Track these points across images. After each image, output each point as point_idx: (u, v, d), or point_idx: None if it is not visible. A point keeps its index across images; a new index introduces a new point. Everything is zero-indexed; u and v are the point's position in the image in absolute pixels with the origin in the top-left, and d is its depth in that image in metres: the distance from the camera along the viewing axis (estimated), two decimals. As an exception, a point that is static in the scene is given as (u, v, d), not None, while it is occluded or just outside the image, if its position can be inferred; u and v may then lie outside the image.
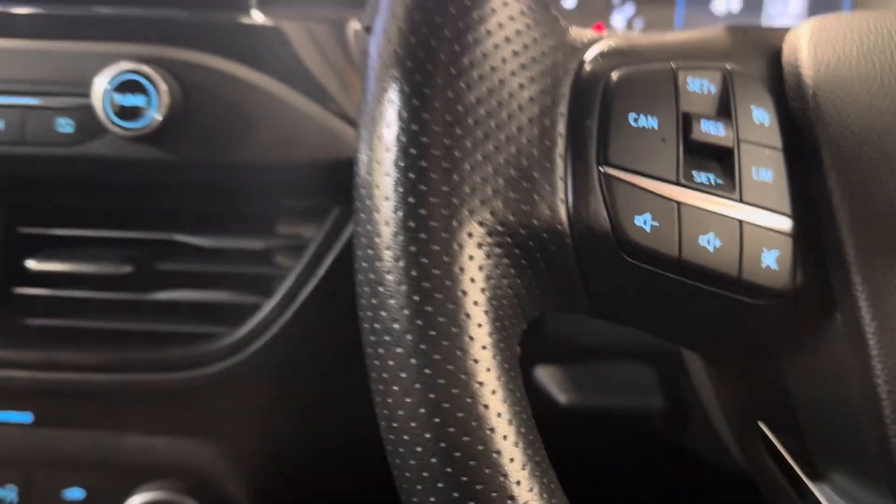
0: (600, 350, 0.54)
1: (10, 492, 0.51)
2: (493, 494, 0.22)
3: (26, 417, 0.51)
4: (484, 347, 0.23)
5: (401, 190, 0.23)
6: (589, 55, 0.26)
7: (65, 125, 0.42)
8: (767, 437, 0.30)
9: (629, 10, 0.57)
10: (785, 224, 0.25)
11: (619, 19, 0.57)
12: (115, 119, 0.41)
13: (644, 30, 0.57)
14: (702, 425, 0.47)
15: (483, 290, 0.23)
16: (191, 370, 0.47)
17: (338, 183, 0.47)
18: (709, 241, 0.24)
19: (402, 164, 0.23)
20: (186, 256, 0.47)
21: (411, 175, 0.23)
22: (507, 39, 0.24)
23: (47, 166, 0.44)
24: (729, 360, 0.30)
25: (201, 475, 0.50)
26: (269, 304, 0.47)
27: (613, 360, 0.55)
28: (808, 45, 0.27)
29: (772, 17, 0.57)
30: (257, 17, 0.45)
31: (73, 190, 0.46)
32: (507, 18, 0.24)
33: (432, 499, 0.23)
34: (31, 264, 0.46)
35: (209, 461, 0.50)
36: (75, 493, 0.51)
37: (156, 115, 0.41)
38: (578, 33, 0.27)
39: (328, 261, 0.47)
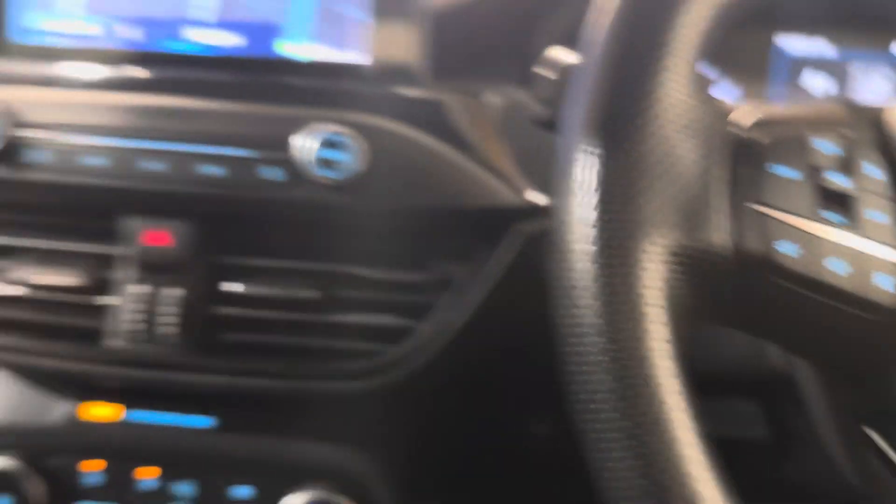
0: (705, 384, 0.61)
1: (189, 487, 0.59)
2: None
3: (208, 422, 0.59)
4: (667, 341, 0.31)
5: (596, 215, 0.31)
6: (738, 122, 0.34)
7: (274, 173, 0.52)
8: (877, 444, 0.37)
9: (725, 83, 0.65)
10: (896, 255, 0.32)
11: (715, 91, 0.65)
12: (319, 171, 0.51)
13: (738, 100, 0.65)
14: (809, 451, 0.53)
15: (664, 297, 0.31)
16: (357, 381, 0.55)
17: (484, 227, 0.56)
18: (840, 266, 0.32)
19: (596, 199, 0.32)
20: (357, 285, 0.56)
21: (604, 207, 0.31)
22: (678, 109, 0.33)
23: (257, 208, 0.53)
24: (848, 370, 0.37)
25: (356, 479, 0.58)
26: (424, 329, 0.55)
27: (718, 394, 0.61)
28: None
29: (856, 92, 0.65)
30: (428, 91, 0.54)
31: (275, 227, 0.56)
32: (678, 93, 0.33)
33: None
34: (234, 288, 0.55)
35: (364, 466, 0.58)
36: (244, 490, 0.59)
37: (350, 169, 0.51)
38: (727, 104, 0.35)
39: (473, 293, 0.56)
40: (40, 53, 0.56)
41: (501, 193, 0.54)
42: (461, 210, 0.54)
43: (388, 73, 0.55)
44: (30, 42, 0.56)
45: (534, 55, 0.60)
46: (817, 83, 0.65)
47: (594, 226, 0.31)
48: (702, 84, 0.34)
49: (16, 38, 0.56)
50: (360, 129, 0.52)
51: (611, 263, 0.31)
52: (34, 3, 0.55)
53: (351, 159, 0.51)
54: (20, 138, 0.53)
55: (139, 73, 0.54)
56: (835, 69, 0.65)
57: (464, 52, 0.60)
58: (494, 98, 0.58)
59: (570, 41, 0.42)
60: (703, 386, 0.60)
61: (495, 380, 0.63)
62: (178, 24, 0.55)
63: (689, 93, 0.33)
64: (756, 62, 0.65)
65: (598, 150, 0.32)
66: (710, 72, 0.65)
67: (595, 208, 0.31)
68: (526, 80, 0.60)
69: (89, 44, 0.56)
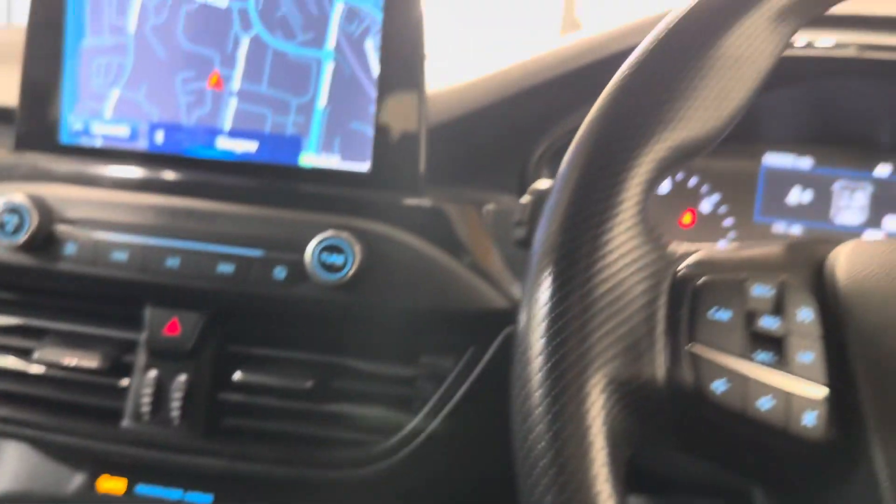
0: (683, 485, 0.63)
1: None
2: None
3: (207, 499, 0.63)
4: (608, 465, 0.34)
5: (549, 349, 0.35)
6: (682, 265, 0.38)
7: (279, 272, 0.57)
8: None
9: (715, 198, 0.69)
10: (822, 392, 0.35)
11: (706, 205, 0.69)
12: (320, 272, 0.55)
13: (727, 214, 0.68)
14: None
15: (604, 424, 0.34)
16: (350, 470, 0.58)
17: (475, 327, 0.60)
18: (766, 402, 0.35)
19: (550, 333, 0.35)
20: (352, 376, 0.60)
21: (556, 341, 0.35)
22: (625, 254, 0.36)
23: (261, 302, 0.58)
24: (788, 490, 0.39)
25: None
26: (413, 422, 0.59)
27: (692, 494, 0.63)
28: (845, 262, 0.38)
29: (840, 209, 0.68)
30: (426, 199, 0.59)
31: (278, 321, 0.60)
32: (625, 240, 0.37)
33: None
34: (237, 376, 0.60)
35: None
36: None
37: (349, 271, 0.55)
38: (675, 248, 0.39)
39: (462, 389, 0.59)
40: (81, 153, 0.62)
41: (492, 297, 0.58)
42: (453, 312, 0.58)
43: (388, 180, 0.59)
44: (73, 143, 0.62)
45: (530, 165, 0.65)
46: (803, 200, 0.68)
47: (547, 359, 0.35)
48: (650, 229, 0.38)
49: (64, 139, 0.62)
50: (360, 233, 0.56)
51: (560, 396, 0.34)
52: (80, 108, 0.62)
53: (349, 262, 0.55)
54: (56, 232, 0.58)
55: (166, 175, 0.60)
56: (820, 187, 0.68)
57: (461, 162, 0.65)
58: (489, 206, 0.62)
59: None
60: (671, 485, 0.62)
61: (485, 470, 0.66)
62: (206, 131, 0.61)
63: (639, 238, 0.37)
64: (745, 178, 0.69)
65: (554, 287, 0.36)
66: (702, 187, 0.69)
67: (549, 342, 0.35)
68: (522, 189, 0.65)
69: (124, 145, 0.62)
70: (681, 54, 0.37)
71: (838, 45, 0.60)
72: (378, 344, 0.60)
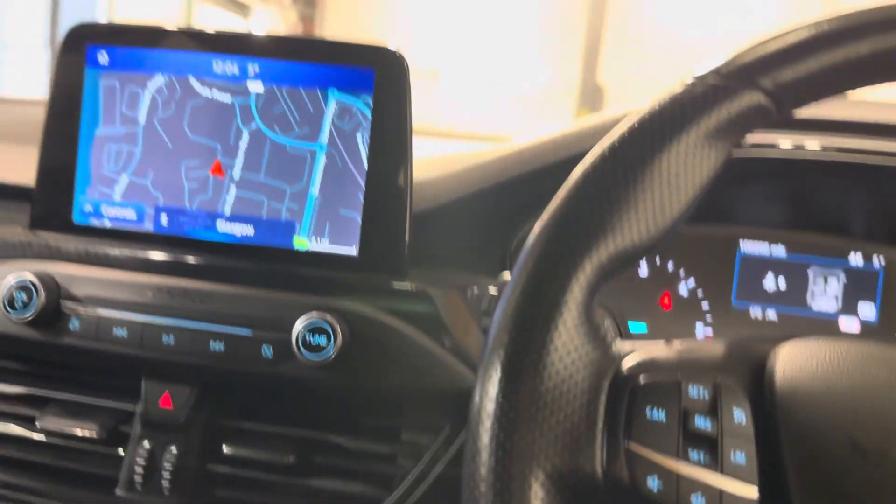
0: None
1: None
2: None
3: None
4: None
5: (495, 441, 0.38)
6: (623, 363, 0.40)
7: (266, 351, 0.60)
8: None
9: (692, 282, 0.71)
10: (753, 492, 0.37)
11: (683, 288, 0.72)
12: (304, 352, 0.58)
13: (703, 297, 0.71)
14: None
15: None
16: (329, 544, 0.60)
17: (452, 406, 0.62)
18: (698, 501, 0.37)
19: (496, 428, 0.38)
20: (334, 452, 0.62)
21: (501, 436, 0.38)
22: (569, 352, 0.39)
23: (249, 378, 0.61)
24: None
25: None
26: (391, 498, 0.61)
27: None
28: (781, 364, 0.40)
29: (815, 295, 0.70)
30: (409, 283, 0.62)
31: (264, 396, 0.63)
32: (569, 339, 0.39)
33: None
34: (225, 449, 0.63)
35: None
36: None
37: (332, 351, 0.58)
38: (618, 347, 0.41)
39: (439, 467, 0.61)
40: (91, 233, 0.67)
41: (470, 378, 0.61)
42: (432, 392, 0.61)
43: (375, 263, 0.63)
44: (84, 223, 0.67)
45: (510, 250, 0.69)
46: (779, 286, 0.71)
47: (493, 451, 0.38)
48: (595, 328, 0.40)
49: (76, 219, 0.67)
50: (344, 315, 0.60)
51: (504, 490, 0.37)
52: (92, 191, 0.67)
53: (332, 343, 0.58)
54: (63, 307, 0.62)
55: (168, 255, 0.64)
56: (795, 274, 0.71)
57: (446, 247, 0.68)
58: (473, 289, 0.65)
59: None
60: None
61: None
62: (207, 216, 0.65)
63: (583, 337, 0.40)
64: (721, 264, 0.72)
65: (502, 381, 0.39)
66: (679, 270, 0.72)
67: (495, 435, 0.38)
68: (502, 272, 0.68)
69: (131, 227, 0.66)
70: (622, 169, 0.40)
71: (797, 147, 0.64)
72: (360, 421, 0.63)
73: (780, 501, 0.37)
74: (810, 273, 0.70)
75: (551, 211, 0.41)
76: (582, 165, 0.41)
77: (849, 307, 0.70)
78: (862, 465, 0.36)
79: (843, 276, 0.70)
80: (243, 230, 0.65)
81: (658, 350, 0.42)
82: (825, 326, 0.70)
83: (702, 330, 0.72)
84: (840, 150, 0.63)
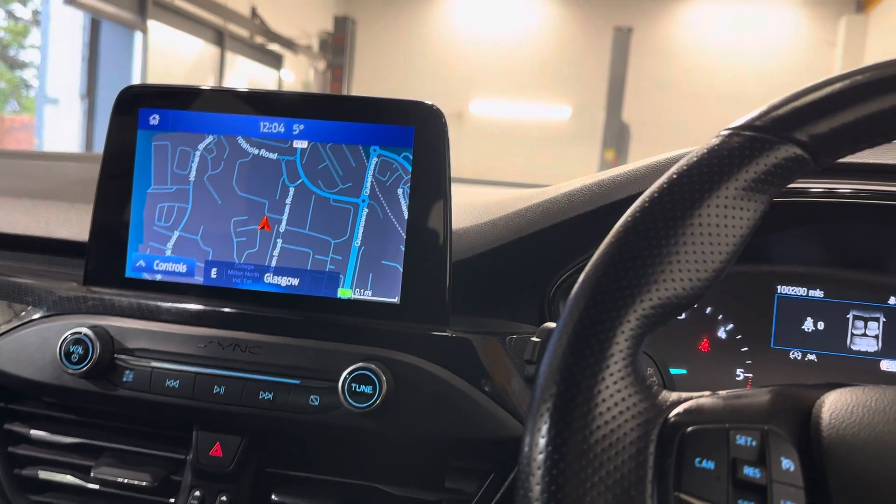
0: None
1: None
2: None
3: None
4: None
5: (546, 493, 0.39)
6: (671, 413, 0.41)
7: (314, 400, 0.62)
8: None
9: (730, 326, 0.72)
10: (805, 541, 0.37)
11: (721, 332, 0.72)
12: (350, 400, 0.60)
13: (742, 341, 0.71)
14: None
15: None
16: None
17: (496, 453, 0.63)
18: (751, 550, 0.37)
19: (547, 479, 0.39)
20: (378, 500, 0.63)
21: (553, 487, 0.39)
22: (616, 403, 0.40)
23: (297, 427, 0.63)
24: None
25: None
26: (438, 545, 0.62)
27: None
28: (828, 411, 0.41)
29: (854, 336, 0.70)
30: (450, 331, 0.64)
31: (311, 444, 0.65)
32: (616, 391, 0.40)
33: None
34: (274, 497, 0.64)
35: None
36: None
37: (378, 400, 0.59)
38: (665, 396, 0.42)
39: (487, 514, 0.62)
40: (143, 287, 0.69)
41: (511, 425, 0.62)
42: (475, 439, 0.62)
43: (416, 312, 0.64)
44: (136, 277, 0.69)
45: (548, 297, 0.70)
46: (818, 327, 0.71)
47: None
48: (641, 379, 0.41)
49: (129, 273, 0.70)
50: (388, 363, 0.61)
51: None
52: (144, 247, 0.70)
53: (378, 391, 0.60)
54: (117, 361, 0.65)
55: (217, 307, 0.66)
56: (834, 317, 0.71)
57: (486, 294, 0.70)
58: (512, 336, 0.66)
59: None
60: None
61: None
62: (255, 268, 0.67)
63: (630, 388, 0.41)
64: (760, 308, 0.72)
65: (551, 434, 0.40)
66: (718, 315, 0.72)
67: (546, 488, 0.39)
68: (542, 319, 0.69)
69: (181, 280, 0.69)
70: (663, 221, 0.41)
71: (855, 193, 0.64)
72: (404, 469, 0.64)
73: (833, 552, 0.37)
74: (850, 316, 0.71)
75: (595, 262, 0.43)
76: (624, 218, 0.43)
77: (889, 349, 0.70)
78: None
79: (882, 318, 0.70)
80: (289, 282, 0.67)
81: (705, 399, 0.42)
82: (866, 366, 0.70)
83: (741, 374, 0.72)
84: (874, 192, 0.64)
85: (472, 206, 0.77)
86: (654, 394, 0.42)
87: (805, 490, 0.39)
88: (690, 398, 0.42)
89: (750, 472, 0.39)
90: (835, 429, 0.40)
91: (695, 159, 0.43)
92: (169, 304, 0.67)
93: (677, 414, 0.41)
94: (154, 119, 0.70)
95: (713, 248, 0.41)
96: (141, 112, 0.70)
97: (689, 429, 0.40)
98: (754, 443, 0.40)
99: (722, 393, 0.43)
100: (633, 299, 0.41)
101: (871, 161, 0.67)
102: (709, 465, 0.39)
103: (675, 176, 0.42)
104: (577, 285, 0.43)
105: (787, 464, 0.39)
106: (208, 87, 0.69)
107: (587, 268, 0.43)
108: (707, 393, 0.43)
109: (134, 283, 0.70)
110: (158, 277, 0.69)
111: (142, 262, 0.70)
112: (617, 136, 7.53)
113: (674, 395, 0.43)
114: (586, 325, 0.41)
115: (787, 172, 0.42)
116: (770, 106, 0.42)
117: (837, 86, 0.41)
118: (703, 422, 0.41)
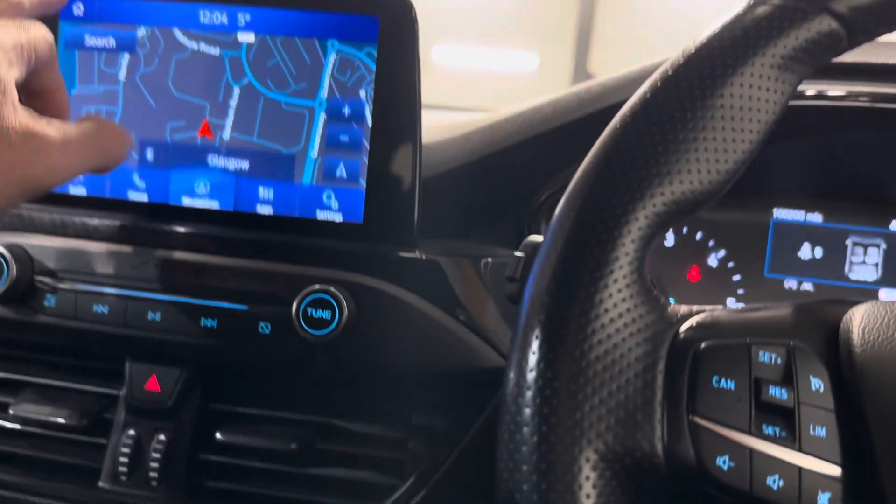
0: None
1: None
2: None
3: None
4: None
5: (538, 417, 0.32)
6: (682, 327, 0.35)
7: (264, 327, 0.55)
8: None
9: (722, 253, 0.66)
10: (836, 471, 0.32)
11: (712, 259, 0.66)
12: (306, 327, 0.53)
13: (735, 269, 0.66)
14: None
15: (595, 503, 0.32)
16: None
17: (469, 386, 0.57)
18: (774, 481, 0.31)
19: (538, 401, 0.33)
20: (339, 438, 0.57)
21: (545, 410, 0.32)
22: (620, 315, 0.34)
23: (245, 358, 0.56)
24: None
25: None
26: (404, 486, 0.55)
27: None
28: (859, 327, 0.35)
29: (853, 265, 0.65)
30: (419, 253, 0.57)
31: (261, 378, 0.57)
32: (621, 300, 0.34)
33: None
34: (218, 435, 0.57)
35: None
36: None
37: (337, 327, 0.52)
38: (675, 309, 0.36)
39: (455, 451, 0.56)
40: (67, 202, 0.61)
41: (487, 356, 0.55)
42: (446, 370, 0.55)
43: (381, 232, 0.57)
44: (59, 191, 0.61)
45: (528, 217, 0.63)
46: (815, 255, 0.66)
47: (535, 430, 0.32)
48: (648, 289, 0.35)
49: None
50: (349, 287, 0.54)
51: (549, 472, 0.32)
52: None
53: (337, 317, 0.53)
54: (36, 283, 0.56)
55: (150, 225, 0.58)
56: (832, 243, 0.66)
57: (458, 215, 0.63)
58: (487, 260, 0.60)
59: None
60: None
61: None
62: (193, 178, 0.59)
63: (635, 298, 0.34)
64: (754, 233, 0.67)
65: (543, 350, 0.33)
66: (708, 241, 0.66)
67: (537, 411, 0.32)
68: (521, 242, 0.63)
69: (110, 194, 0.60)
70: (679, 103, 0.35)
71: (850, 95, 0.58)
72: (367, 404, 0.57)
73: (866, 482, 0.32)
74: (848, 241, 0.65)
75: (596, 153, 0.36)
76: (631, 101, 0.36)
77: (889, 278, 0.65)
78: None
79: (883, 244, 0.65)
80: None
81: (719, 312, 0.36)
82: (865, 296, 0.65)
83: (733, 304, 0.66)
84: (885, 96, 0.58)
85: (440, 123, 0.70)
86: (663, 306, 0.36)
87: (836, 413, 0.33)
88: (703, 310, 0.36)
89: (775, 392, 0.33)
90: (869, 345, 0.34)
91: (717, 30, 0.36)
92: (97, 221, 0.58)
93: (689, 328, 0.35)
94: (78, 8, 0.60)
95: (736, 134, 0.35)
96: None
97: (704, 344, 0.34)
98: (779, 360, 0.34)
99: (736, 307, 0.37)
100: (642, 193, 0.34)
101: (862, 61, 0.60)
102: (728, 384, 0.33)
103: (692, 50, 0.36)
104: (573, 181, 0.36)
105: (817, 384, 0.34)
106: (140, -27, 0.60)
107: (585, 160, 0.36)
108: (719, 307, 0.37)
109: (56, 198, 0.61)
110: (84, 191, 0.61)
111: (65, 174, 0.61)
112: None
113: (684, 308, 0.37)
114: (586, 223, 0.35)
115: (820, 50, 0.36)
116: None
117: None
118: (719, 336, 0.35)
